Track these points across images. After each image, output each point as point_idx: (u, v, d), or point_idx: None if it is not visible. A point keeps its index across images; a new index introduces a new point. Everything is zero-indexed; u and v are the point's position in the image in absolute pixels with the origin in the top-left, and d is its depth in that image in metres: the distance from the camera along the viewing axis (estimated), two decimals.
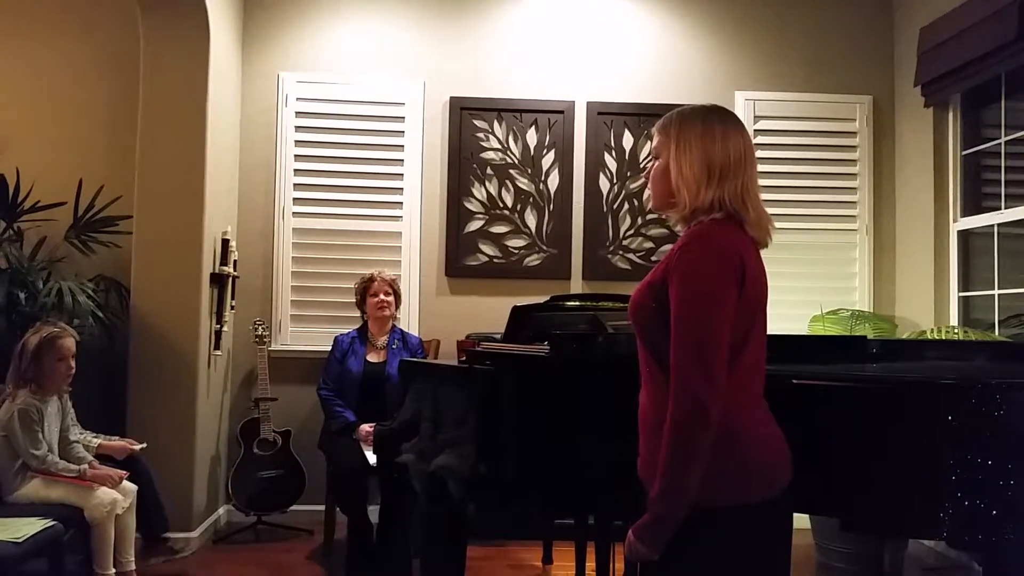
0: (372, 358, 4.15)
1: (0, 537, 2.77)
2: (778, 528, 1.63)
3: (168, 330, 3.97)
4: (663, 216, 1.73)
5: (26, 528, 2.86)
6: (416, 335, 4.39)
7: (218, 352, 4.25)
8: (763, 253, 1.65)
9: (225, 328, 4.30)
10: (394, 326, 4.26)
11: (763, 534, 1.57)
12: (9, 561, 2.72)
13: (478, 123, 4.71)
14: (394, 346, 4.16)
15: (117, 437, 3.64)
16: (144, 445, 3.61)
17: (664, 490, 1.48)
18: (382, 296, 4.16)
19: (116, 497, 3.21)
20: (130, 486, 3.35)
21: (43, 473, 3.17)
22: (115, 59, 4.46)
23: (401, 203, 4.69)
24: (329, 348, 4.21)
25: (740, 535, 1.52)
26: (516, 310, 2.74)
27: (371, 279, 4.19)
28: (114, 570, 3.20)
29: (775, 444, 1.60)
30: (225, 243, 4.29)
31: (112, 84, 4.47)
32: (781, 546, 1.66)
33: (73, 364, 3.35)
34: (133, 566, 3.30)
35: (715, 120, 1.63)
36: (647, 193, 1.75)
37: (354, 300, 4.25)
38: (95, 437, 3.54)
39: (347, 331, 4.25)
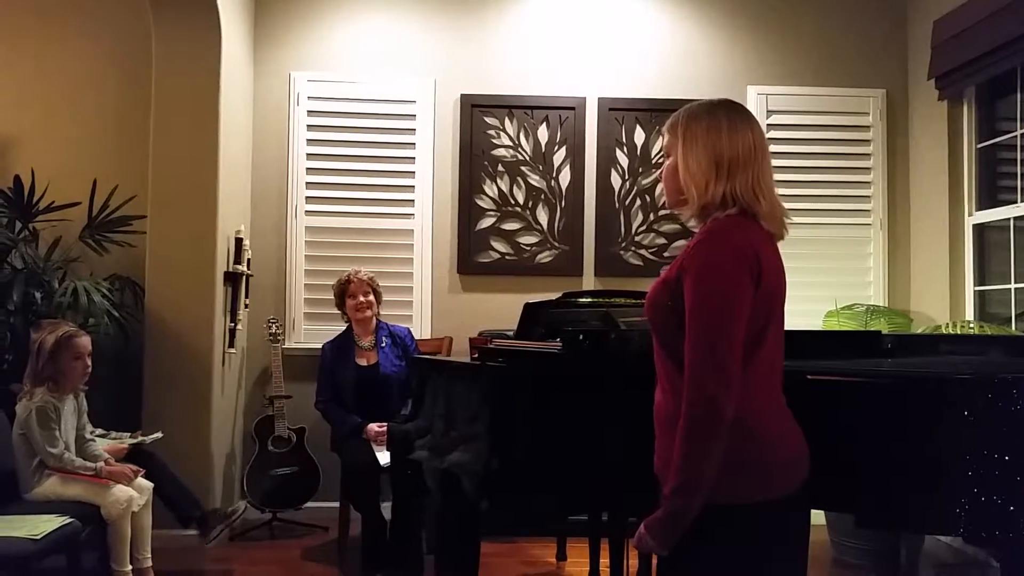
0: (362, 361, 4.06)
1: (18, 534, 2.79)
2: (796, 524, 1.62)
3: (183, 328, 4.00)
4: (676, 214, 1.73)
5: (44, 526, 2.88)
6: (403, 326, 4.31)
7: (232, 350, 4.27)
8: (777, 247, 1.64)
9: (239, 326, 4.33)
10: (379, 322, 4.17)
11: (781, 530, 1.56)
12: (27, 558, 2.75)
13: (489, 120, 4.71)
14: (383, 344, 4.10)
15: (128, 434, 3.67)
16: (159, 435, 3.64)
17: (677, 487, 1.47)
18: (361, 297, 4.05)
19: (132, 495, 3.23)
20: (146, 483, 3.37)
21: (60, 471, 3.19)
22: (127, 59, 4.49)
23: (413, 201, 4.69)
24: None
25: (758, 531, 1.52)
26: (528, 307, 2.74)
27: (348, 280, 4.08)
28: (131, 567, 3.22)
29: (793, 440, 1.59)
30: (239, 242, 4.31)
31: (124, 84, 4.50)
32: (799, 542, 1.65)
33: (89, 363, 3.38)
34: (150, 563, 3.32)
35: (721, 114, 1.62)
36: (659, 189, 1.75)
37: (334, 303, 4.17)
38: (110, 439, 3.58)
39: (332, 338, 4.16)
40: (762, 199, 1.58)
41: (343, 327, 4.20)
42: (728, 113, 1.62)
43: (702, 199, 1.59)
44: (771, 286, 1.55)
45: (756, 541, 1.52)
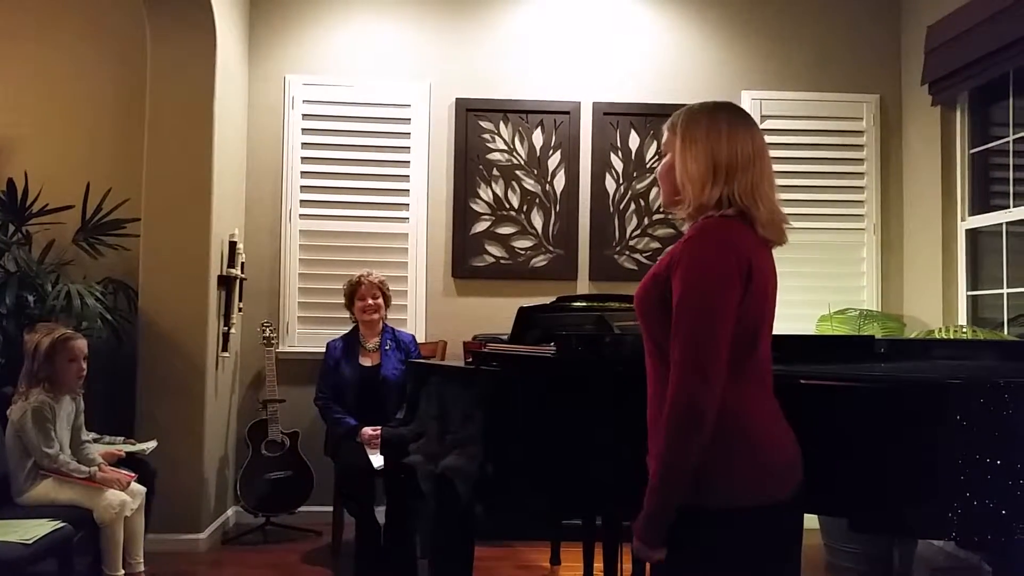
0: (365, 362, 4.08)
1: (10, 538, 2.78)
2: (791, 528, 1.62)
3: (176, 332, 3.99)
4: (671, 214, 1.72)
5: (36, 529, 2.87)
6: (409, 332, 4.33)
7: (226, 354, 4.26)
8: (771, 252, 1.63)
9: (233, 330, 4.32)
10: (385, 326, 4.19)
11: (776, 535, 1.56)
12: (19, 562, 2.73)
13: (484, 124, 4.71)
14: (387, 347, 4.11)
15: (122, 438, 3.66)
16: (154, 443, 3.64)
17: (654, 487, 1.48)
18: (370, 300, 4.07)
19: (125, 499, 3.23)
20: (139, 488, 3.36)
21: (54, 472, 3.18)
22: (122, 62, 4.48)
23: (408, 205, 4.69)
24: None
25: (753, 536, 1.51)
26: (523, 311, 2.73)
27: (358, 283, 4.10)
28: (123, 571, 3.22)
29: (787, 444, 1.59)
30: (232, 245, 4.30)
31: (119, 87, 4.49)
32: (794, 547, 1.65)
33: (85, 365, 3.37)
34: (142, 567, 3.32)
35: (722, 117, 1.61)
36: (655, 192, 1.74)
37: (343, 303, 4.19)
38: (103, 443, 3.57)
39: (338, 336, 4.19)
40: (760, 204, 1.57)
41: (338, 330, 4.21)
42: (729, 117, 1.62)
43: (698, 199, 1.57)
44: (762, 288, 1.54)
45: (751, 545, 1.52)
